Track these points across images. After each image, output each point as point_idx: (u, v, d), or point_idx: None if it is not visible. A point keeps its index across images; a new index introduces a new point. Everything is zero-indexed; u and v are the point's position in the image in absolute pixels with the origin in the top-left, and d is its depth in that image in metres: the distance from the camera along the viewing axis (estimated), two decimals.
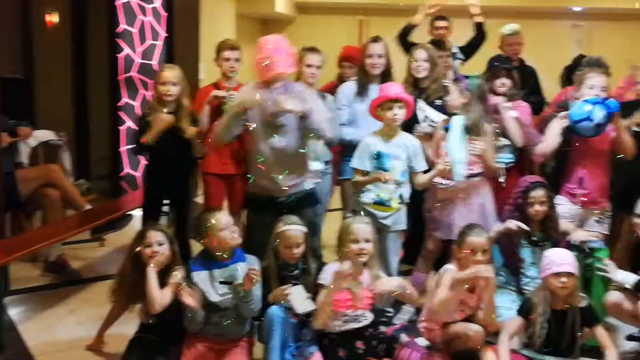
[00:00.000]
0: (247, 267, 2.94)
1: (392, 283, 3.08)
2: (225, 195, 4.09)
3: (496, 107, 3.79)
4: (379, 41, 3.99)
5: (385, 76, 3.96)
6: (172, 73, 3.73)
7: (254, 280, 2.84)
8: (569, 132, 3.43)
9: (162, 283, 2.96)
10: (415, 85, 3.97)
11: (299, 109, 3.14)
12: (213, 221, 2.97)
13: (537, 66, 4.91)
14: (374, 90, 3.78)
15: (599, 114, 3.29)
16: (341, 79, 4.38)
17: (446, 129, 3.57)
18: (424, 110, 3.85)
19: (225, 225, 2.98)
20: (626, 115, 3.59)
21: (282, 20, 9.45)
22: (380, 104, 3.43)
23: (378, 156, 3.43)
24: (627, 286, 3.09)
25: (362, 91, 3.95)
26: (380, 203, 3.46)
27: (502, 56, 4.14)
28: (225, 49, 4.01)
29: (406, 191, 3.50)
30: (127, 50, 5.50)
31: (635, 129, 3.53)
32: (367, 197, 3.48)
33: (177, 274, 3.00)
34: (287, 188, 3.30)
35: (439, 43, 4.54)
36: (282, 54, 3.20)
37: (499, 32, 4.91)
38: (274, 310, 2.92)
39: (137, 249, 3.02)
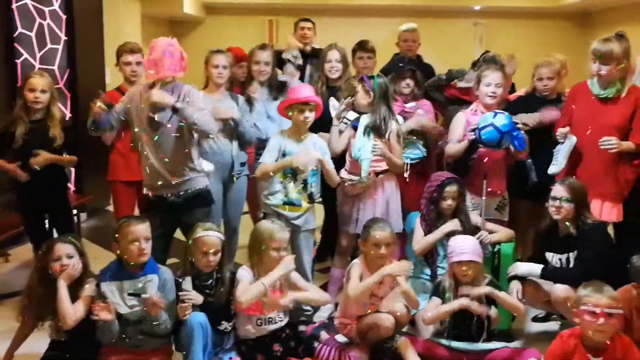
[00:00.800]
0: (156, 286, 2.89)
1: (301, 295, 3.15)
2: (135, 202, 4.00)
3: (404, 111, 3.92)
4: (265, 49, 4.08)
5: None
6: (41, 80, 3.64)
7: (159, 308, 2.80)
8: (474, 144, 3.59)
9: (73, 297, 2.87)
10: (327, 84, 4.03)
11: (170, 102, 3.15)
12: (128, 230, 2.90)
13: (441, 64, 5.06)
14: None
15: (501, 121, 3.44)
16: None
17: (354, 127, 3.64)
18: (336, 107, 3.88)
19: (138, 237, 2.89)
20: (518, 112, 3.78)
21: (191, 22, 9.31)
22: (290, 105, 3.46)
23: (286, 155, 3.45)
24: (533, 278, 3.25)
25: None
26: (290, 203, 3.49)
27: (404, 57, 4.24)
28: (125, 52, 3.95)
29: (315, 190, 3.55)
30: (25, 55, 5.24)
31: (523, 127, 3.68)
32: (277, 198, 3.51)
33: (89, 287, 2.92)
34: (173, 186, 3.28)
35: (361, 44, 4.57)
36: (172, 57, 3.19)
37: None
38: (194, 318, 2.87)
39: (45, 264, 2.90)
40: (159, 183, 3.28)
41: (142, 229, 2.92)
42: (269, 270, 3.04)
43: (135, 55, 3.96)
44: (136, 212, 4.04)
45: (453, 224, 3.47)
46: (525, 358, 2.95)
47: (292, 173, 3.48)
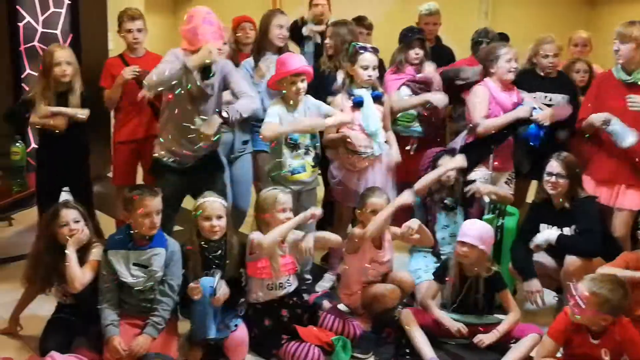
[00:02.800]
0: (162, 259, 2.90)
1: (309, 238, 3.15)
2: (136, 162, 4.04)
3: (415, 81, 3.95)
4: (284, 14, 4.00)
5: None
6: (65, 52, 3.61)
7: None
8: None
9: (80, 261, 2.90)
10: (330, 58, 3.99)
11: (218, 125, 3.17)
12: (142, 204, 2.88)
13: (445, 40, 5.03)
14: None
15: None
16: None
17: (356, 103, 3.62)
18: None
19: (151, 210, 2.89)
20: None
21: None
22: (281, 79, 3.42)
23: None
24: (552, 243, 3.25)
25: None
26: (296, 171, 3.47)
27: (413, 27, 4.23)
28: (126, 19, 3.90)
29: (319, 151, 3.55)
30: (28, 18, 5.19)
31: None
32: (281, 169, 3.47)
33: (96, 251, 2.95)
34: (191, 153, 3.30)
35: (359, 19, 4.56)
36: (212, 25, 3.18)
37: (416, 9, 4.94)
38: (203, 284, 2.85)
39: (52, 230, 2.92)
40: (182, 148, 3.28)
41: (156, 202, 2.93)
42: None
43: (136, 22, 3.91)
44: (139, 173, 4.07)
45: (458, 159, 3.49)
46: (525, 333, 2.99)
47: (293, 141, 3.45)
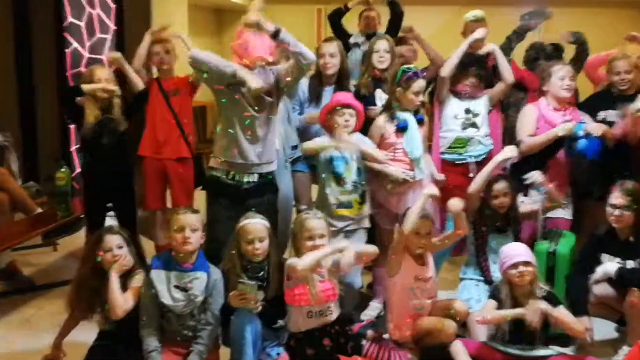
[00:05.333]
0: (203, 284, 2.87)
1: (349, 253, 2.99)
2: (164, 183, 4.09)
3: None
4: (332, 41, 3.87)
5: (341, 78, 3.83)
6: (105, 71, 3.78)
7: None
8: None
9: (122, 287, 2.88)
10: (374, 76, 3.90)
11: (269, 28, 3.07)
12: (175, 219, 2.90)
13: None
14: (328, 93, 3.74)
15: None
16: None
17: (401, 128, 3.51)
18: (383, 99, 3.79)
19: (184, 225, 2.87)
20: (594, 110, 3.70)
21: (237, 10, 9.26)
22: (331, 110, 3.40)
23: (331, 160, 3.40)
24: (611, 276, 3.11)
25: (314, 96, 3.84)
26: (342, 206, 3.42)
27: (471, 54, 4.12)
28: (151, 43, 4.02)
29: (366, 189, 3.48)
30: (75, 44, 5.29)
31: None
32: (330, 201, 3.44)
33: (138, 277, 2.92)
34: (252, 167, 3.24)
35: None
36: (262, 39, 3.15)
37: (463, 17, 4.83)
38: (243, 312, 2.82)
39: (98, 255, 2.90)
40: (237, 164, 3.23)
41: (191, 218, 2.90)
42: None
43: (162, 45, 4.01)
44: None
45: (509, 150, 3.43)
46: None
47: (338, 175, 3.40)
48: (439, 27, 5.32)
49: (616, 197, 3.12)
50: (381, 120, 3.56)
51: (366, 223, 3.54)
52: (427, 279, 3.17)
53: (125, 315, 2.84)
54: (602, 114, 3.74)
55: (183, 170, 4.07)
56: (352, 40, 4.67)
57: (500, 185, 3.41)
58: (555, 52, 4.26)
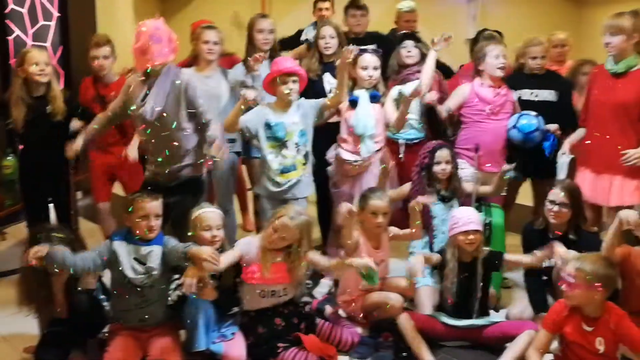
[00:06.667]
0: (158, 257, 2.88)
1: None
2: (112, 180, 4.08)
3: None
4: (267, 17, 3.98)
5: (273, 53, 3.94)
6: (42, 53, 3.60)
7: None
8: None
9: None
10: (321, 60, 4.01)
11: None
12: (139, 206, 2.89)
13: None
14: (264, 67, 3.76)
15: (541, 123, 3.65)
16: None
17: (351, 102, 3.63)
18: (331, 83, 3.90)
19: (149, 213, 2.88)
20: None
21: None
22: (273, 78, 3.41)
23: (269, 126, 3.42)
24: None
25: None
26: (286, 170, 3.45)
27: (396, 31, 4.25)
28: (92, 46, 3.91)
29: (309, 149, 3.51)
30: (17, 32, 5.17)
31: None
32: (273, 169, 3.45)
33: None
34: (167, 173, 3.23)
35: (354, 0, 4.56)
36: (160, 42, 3.07)
37: (395, 8, 4.99)
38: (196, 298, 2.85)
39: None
40: (153, 168, 3.27)
41: (154, 205, 2.92)
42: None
43: (101, 49, 3.90)
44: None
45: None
46: (521, 330, 2.97)
47: (279, 140, 3.43)
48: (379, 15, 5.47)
49: (555, 194, 3.22)
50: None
51: (307, 191, 3.56)
52: (379, 262, 3.27)
53: (76, 303, 2.87)
54: (534, 92, 3.95)
55: (131, 169, 3.96)
56: (303, 36, 4.75)
57: (444, 152, 3.52)
58: (492, 37, 4.40)
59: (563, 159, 3.65)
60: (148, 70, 3.12)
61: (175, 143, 3.19)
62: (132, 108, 3.19)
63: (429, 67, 3.76)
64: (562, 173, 3.67)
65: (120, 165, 3.95)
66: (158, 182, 3.24)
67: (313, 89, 3.82)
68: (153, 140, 3.23)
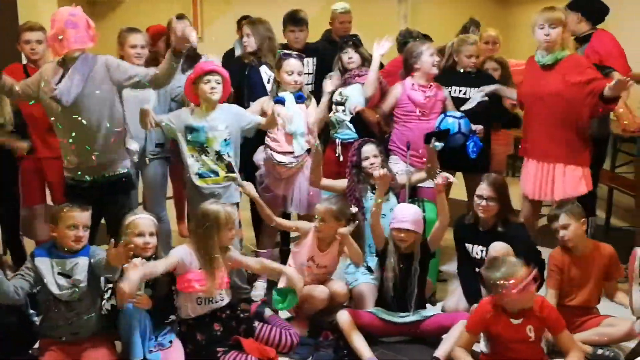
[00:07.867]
0: (85, 269, 2.81)
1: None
2: (42, 180, 3.90)
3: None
4: (183, 18, 3.83)
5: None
6: None
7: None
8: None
9: None
10: (253, 54, 4.00)
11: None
12: (67, 216, 2.81)
13: (365, 43, 5.09)
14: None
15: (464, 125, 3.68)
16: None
17: (277, 102, 3.65)
18: (269, 74, 3.93)
19: (77, 223, 2.82)
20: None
21: (110, 1, 8.95)
22: (196, 79, 3.34)
23: (190, 129, 3.36)
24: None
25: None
26: (205, 175, 3.39)
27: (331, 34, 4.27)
28: (24, 31, 3.77)
29: (234, 161, 3.44)
30: None
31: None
32: (192, 173, 3.39)
33: None
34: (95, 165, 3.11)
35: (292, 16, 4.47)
36: (76, 28, 2.96)
37: (330, 9, 5.01)
38: (130, 307, 2.81)
39: None
40: (77, 164, 3.12)
41: (84, 216, 2.85)
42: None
43: (35, 33, 3.77)
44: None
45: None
46: (457, 321, 3.03)
47: (199, 145, 3.37)
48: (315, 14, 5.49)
49: (482, 189, 3.30)
50: (265, 102, 3.73)
51: (235, 197, 3.50)
52: (321, 267, 3.30)
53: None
54: (463, 90, 4.04)
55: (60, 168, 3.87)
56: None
57: (369, 147, 3.57)
58: (423, 38, 4.49)
59: (476, 96, 3.87)
60: (63, 57, 3.02)
61: (102, 131, 3.08)
62: (44, 89, 3.02)
63: (373, 71, 3.80)
64: (469, 104, 3.86)
65: (50, 165, 3.78)
66: (83, 180, 3.13)
67: (250, 79, 3.87)
68: (74, 133, 3.06)
